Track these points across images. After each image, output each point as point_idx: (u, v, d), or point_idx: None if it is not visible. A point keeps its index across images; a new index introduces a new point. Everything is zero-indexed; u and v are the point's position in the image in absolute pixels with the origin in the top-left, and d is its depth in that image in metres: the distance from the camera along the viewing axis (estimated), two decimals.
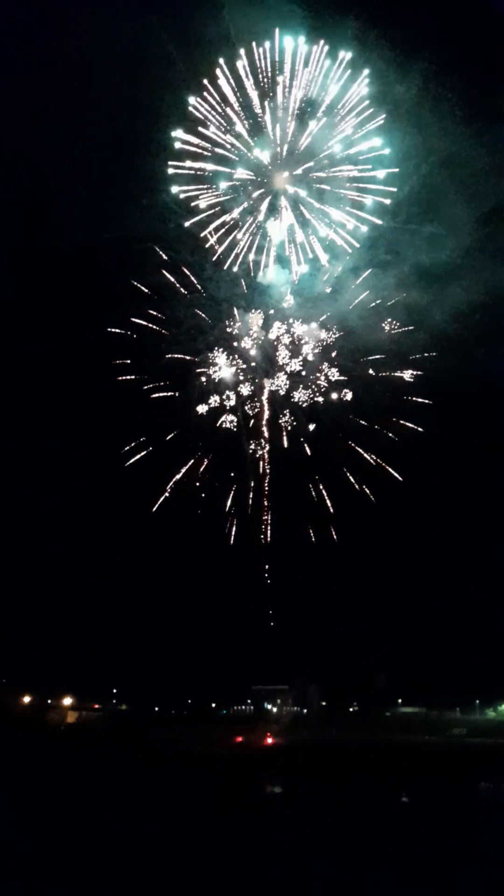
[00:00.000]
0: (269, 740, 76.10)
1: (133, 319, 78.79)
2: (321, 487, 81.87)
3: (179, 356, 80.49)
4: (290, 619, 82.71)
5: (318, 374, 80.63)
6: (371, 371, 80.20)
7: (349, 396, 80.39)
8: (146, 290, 78.22)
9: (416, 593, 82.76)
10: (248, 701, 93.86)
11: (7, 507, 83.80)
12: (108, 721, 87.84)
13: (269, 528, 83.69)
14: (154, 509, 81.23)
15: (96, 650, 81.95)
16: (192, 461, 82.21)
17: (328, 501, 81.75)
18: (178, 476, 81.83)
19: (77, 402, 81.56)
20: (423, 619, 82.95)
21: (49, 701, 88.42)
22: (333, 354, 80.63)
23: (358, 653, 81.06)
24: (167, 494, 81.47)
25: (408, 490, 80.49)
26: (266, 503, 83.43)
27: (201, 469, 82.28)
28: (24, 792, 39.81)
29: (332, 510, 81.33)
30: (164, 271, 77.39)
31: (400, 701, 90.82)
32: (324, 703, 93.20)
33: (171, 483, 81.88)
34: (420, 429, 78.97)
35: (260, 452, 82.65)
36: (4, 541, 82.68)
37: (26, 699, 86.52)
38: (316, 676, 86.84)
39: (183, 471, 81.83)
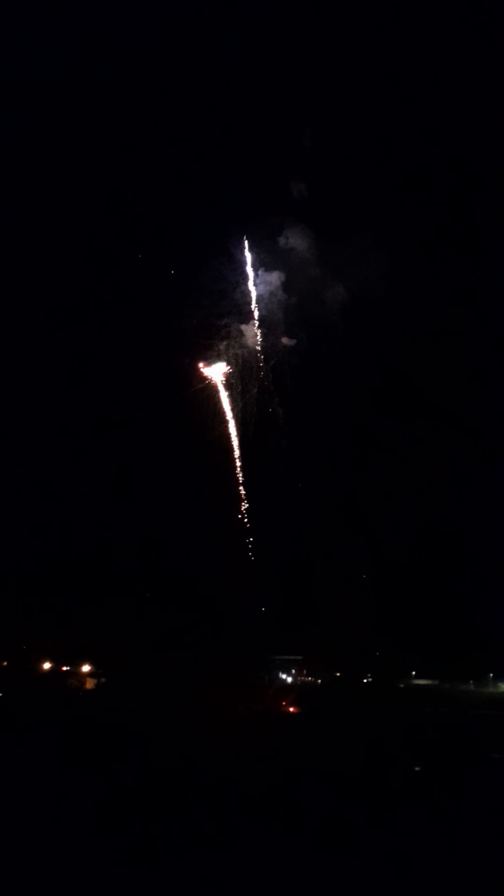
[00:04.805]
0: (291, 709, 77.52)
1: None
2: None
3: None
4: (302, 591, 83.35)
5: None
6: None
7: None
8: None
9: (429, 565, 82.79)
10: (263, 671, 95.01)
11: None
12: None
13: None
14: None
15: (113, 617, 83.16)
16: None
17: None
18: None
19: None
20: (437, 592, 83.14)
21: (68, 668, 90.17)
22: None
23: (372, 625, 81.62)
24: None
25: None
26: None
27: None
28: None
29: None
30: None
31: (414, 673, 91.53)
32: (338, 674, 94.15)
33: None
34: None
35: None
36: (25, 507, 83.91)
37: (46, 665, 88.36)
38: (330, 647, 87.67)
39: None
